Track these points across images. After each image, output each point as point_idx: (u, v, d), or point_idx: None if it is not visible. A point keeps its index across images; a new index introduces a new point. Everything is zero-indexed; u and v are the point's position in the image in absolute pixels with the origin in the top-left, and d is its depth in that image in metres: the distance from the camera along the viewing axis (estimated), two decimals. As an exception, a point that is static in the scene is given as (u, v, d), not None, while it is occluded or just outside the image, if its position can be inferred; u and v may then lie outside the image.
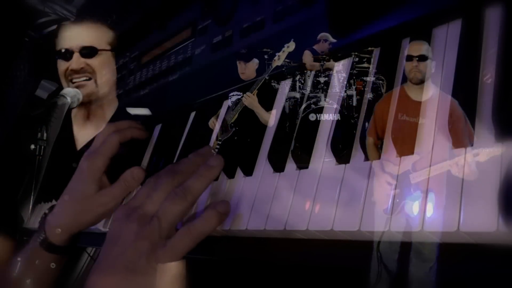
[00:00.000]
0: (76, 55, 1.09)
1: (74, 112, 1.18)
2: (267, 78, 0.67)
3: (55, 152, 1.09)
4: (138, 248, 0.50)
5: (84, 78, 1.10)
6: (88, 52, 1.09)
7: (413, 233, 0.41)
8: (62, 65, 1.12)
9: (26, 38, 1.29)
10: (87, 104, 1.13)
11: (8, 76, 1.31)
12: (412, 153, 0.45)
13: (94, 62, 1.10)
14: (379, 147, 0.49)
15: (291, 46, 0.65)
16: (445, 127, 0.44)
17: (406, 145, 0.46)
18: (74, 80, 1.10)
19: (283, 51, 0.65)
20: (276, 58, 0.66)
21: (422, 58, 0.50)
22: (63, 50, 1.11)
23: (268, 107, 0.66)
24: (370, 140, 0.50)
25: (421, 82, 0.49)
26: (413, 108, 0.48)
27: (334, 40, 0.60)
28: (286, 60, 0.65)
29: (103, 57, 1.11)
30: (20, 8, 1.27)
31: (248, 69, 0.70)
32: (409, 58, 0.51)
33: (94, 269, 0.52)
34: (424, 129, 0.46)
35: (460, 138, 0.42)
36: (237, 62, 0.72)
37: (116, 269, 0.49)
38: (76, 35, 1.13)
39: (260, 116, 0.65)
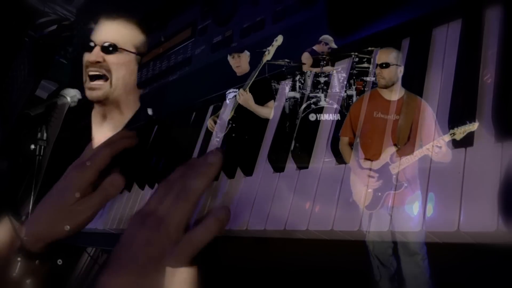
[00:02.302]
0: (97, 48, 1.07)
1: (93, 111, 1.17)
2: (267, 76, 0.67)
3: (71, 151, 1.08)
4: (149, 254, 0.51)
5: (98, 73, 1.09)
6: (108, 47, 1.07)
7: (413, 233, 0.41)
8: (85, 57, 1.11)
9: (26, 38, 1.29)
10: (103, 104, 1.12)
11: (8, 76, 1.31)
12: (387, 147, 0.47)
13: (111, 58, 1.08)
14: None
15: (279, 39, 0.66)
16: (418, 124, 0.47)
17: (381, 141, 0.48)
18: (90, 73, 1.08)
19: (272, 45, 0.66)
20: (266, 53, 0.66)
21: (384, 65, 0.53)
22: (90, 43, 1.10)
23: (264, 101, 0.66)
24: (344, 140, 0.51)
25: (385, 86, 0.52)
26: (388, 107, 0.50)
27: (335, 46, 0.60)
28: (286, 60, 0.65)
29: (123, 56, 1.09)
30: (20, 8, 1.27)
31: (242, 61, 0.71)
32: (376, 66, 0.55)
33: (105, 271, 0.52)
34: (400, 125, 0.48)
35: (431, 134, 0.45)
36: (230, 57, 0.72)
37: (127, 273, 0.51)
38: (103, 30, 1.11)
39: (258, 113, 0.66)
